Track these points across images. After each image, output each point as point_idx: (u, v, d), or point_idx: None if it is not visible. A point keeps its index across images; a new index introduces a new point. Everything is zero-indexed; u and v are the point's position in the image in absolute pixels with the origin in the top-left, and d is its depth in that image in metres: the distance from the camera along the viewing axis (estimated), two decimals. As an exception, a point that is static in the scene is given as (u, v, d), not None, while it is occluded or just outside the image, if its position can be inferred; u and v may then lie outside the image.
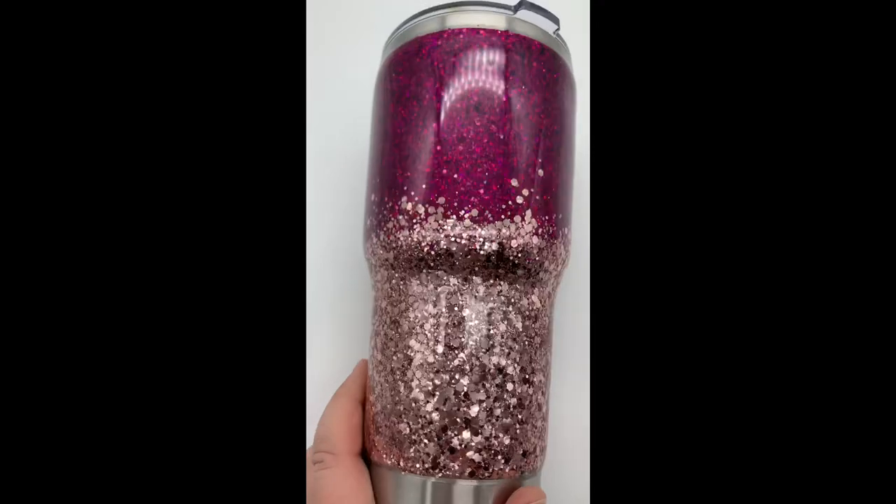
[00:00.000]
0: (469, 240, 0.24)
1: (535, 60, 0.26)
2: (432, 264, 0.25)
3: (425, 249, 0.25)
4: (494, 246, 0.24)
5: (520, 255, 0.25)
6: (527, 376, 0.25)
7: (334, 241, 0.29)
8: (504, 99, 0.25)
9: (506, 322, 0.25)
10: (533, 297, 0.26)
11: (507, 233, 0.24)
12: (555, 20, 0.28)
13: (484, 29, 0.26)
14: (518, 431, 0.25)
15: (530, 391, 0.25)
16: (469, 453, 0.24)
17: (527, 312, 0.26)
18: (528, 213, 0.25)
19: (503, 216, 0.24)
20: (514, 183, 0.25)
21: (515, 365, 0.25)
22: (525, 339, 0.25)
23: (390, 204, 0.26)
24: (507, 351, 0.25)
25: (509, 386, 0.25)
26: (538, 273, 0.26)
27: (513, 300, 0.25)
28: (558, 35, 0.28)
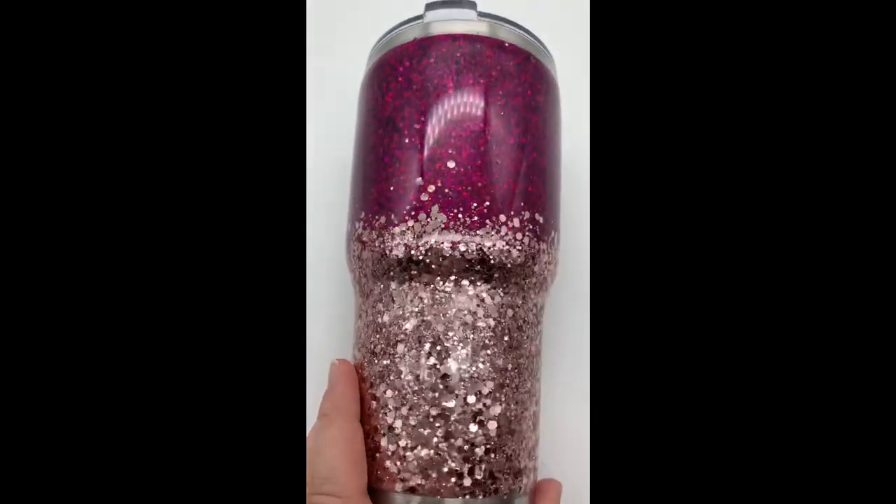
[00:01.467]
0: (379, 246, 0.24)
1: (449, 55, 0.25)
2: (361, 275, 0.26)
3: (353, 262, 0.26)
4: (400, 249, 0.24)
5: (428, 252, 0.23)
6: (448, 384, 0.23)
7: (333, 241, 0.30)
8: (406, 95, 0.25)
9: (416, 319, 0.23)
10: (461, 296, 0.23)
11: (411, 232, 0.24)
12: (470, 5, 0.26)
13: (404, 43, 0.27)
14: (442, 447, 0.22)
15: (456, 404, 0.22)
16: (387, 463, 0.23)
17: (449, 313, 0.23)
18: (435, 208, 0.24)
19: (407, 217, 0.24)
20: (419, 181, 0.24)
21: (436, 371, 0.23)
22: (457, 338, 0.23)
23: (349, 222, 0.28)
24: (440, 350, 0.23)
25: (428, 394, 0.23)
26: (459, 270, 0.23)
27: (425, 299, 0.24)
28: (485, 16, 0.26)
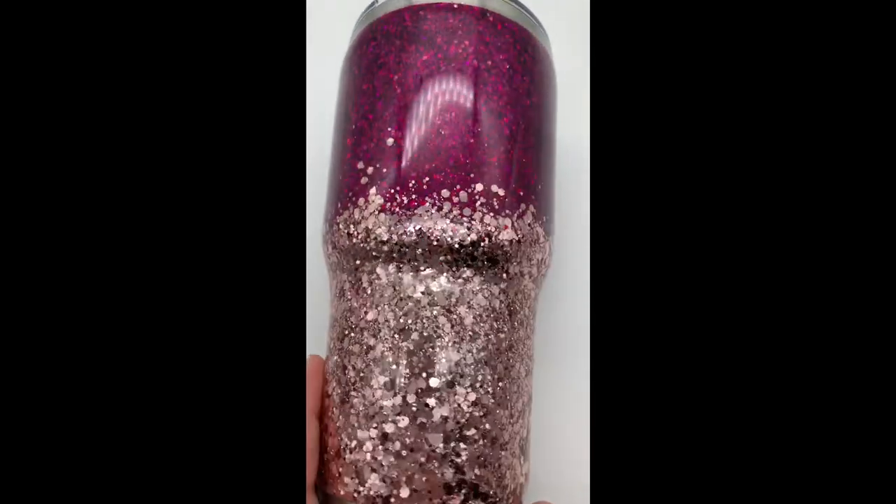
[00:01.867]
0: (329, 238, 0.23)
1: (394, 32, 0.24)
2: (327, 270, 0.25)
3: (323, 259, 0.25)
4: (343, 239, 0.22)
5: (367, 239, 0.21)
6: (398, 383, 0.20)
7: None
8: (356, 82, 0.24)
9: (360, 311, 0.21)
10: (403, 284, 0.21)
11: (351, 218, 0.22)
12: None
13: (360, 32, 0.26)
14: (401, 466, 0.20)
15: (421, 403, 0.20)
16: (331, 464, 0.21)
17: (392, 303, 0.21)
18: (373, 190, 0.22)
19: (349, 204, 0.22)
20: (360, 165, 0.22)
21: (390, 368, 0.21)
22: (398, 330, 0.21)
23: None
24: (380, 343, 0.21)
25: (370, 393, 0.20)
26: (399, 255, 0.21)
27: (368, 290, 0.21)
28: None
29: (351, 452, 0.20)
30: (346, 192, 0.23)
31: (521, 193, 0.23)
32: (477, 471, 0.20)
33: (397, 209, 0.21)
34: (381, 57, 0.24)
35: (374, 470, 0.20)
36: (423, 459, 0.20)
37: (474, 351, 0.21)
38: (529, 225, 0.23)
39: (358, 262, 0.22)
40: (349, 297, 0.22)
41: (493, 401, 0.21)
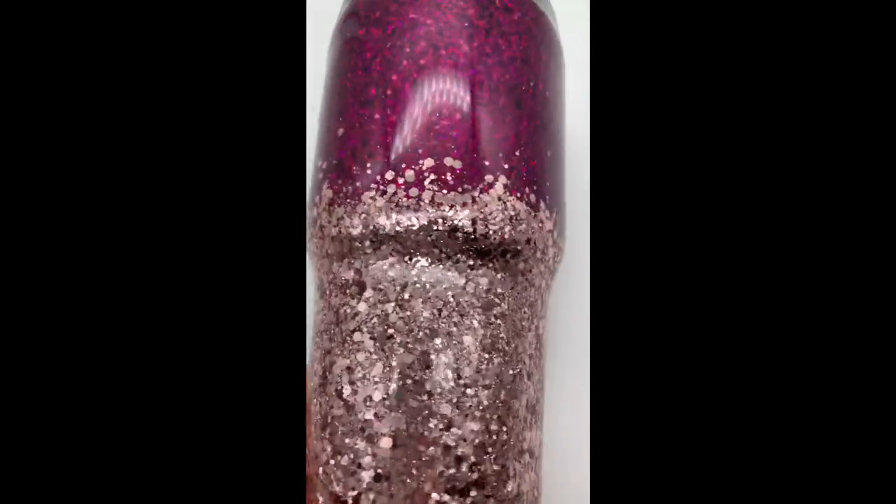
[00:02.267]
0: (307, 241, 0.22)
1: (367, 4, 0.22)
2: None
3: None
4: (309, 240, 0.21)
5: (321, 234, 0.20)
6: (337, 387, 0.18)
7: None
8: (325, 86, 0.23)
9: (322, 312, 0.20)
10: (352, 282, 0.19)
11: (312, 219, 0.21)
12: None
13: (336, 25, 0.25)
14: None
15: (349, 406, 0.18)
16: (309, 490, 0.19)
17: (346, 301, 0.19)
18: (326, 185, 0.20)
19: (313, 205, 0.21)
20: (319, 162, 0.21)
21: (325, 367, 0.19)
22: (349, 330, 0.19)
23: None
24: (334, 346, 0.19)
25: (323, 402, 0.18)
26: (351, 250, 0.19)
27: (328, 291, 0.20)
28: None
29: (309, 466, 0.19)
30: (313, 193, 0.22)
31: (487, 163, 0.19)
32: (436, 496, 0.17)
33: (344, 200, 0.20)
34: (340, 53, 0.22)
35: (325, 486, 0.18)
36: (369, 477, 0.17)
37: (431, 352, 0.18)
38: (500, 199, 0.19)
39: (320, 263, 0.21)
40: (317, 300, 0.21)
41: (457, 412, 0.18)
